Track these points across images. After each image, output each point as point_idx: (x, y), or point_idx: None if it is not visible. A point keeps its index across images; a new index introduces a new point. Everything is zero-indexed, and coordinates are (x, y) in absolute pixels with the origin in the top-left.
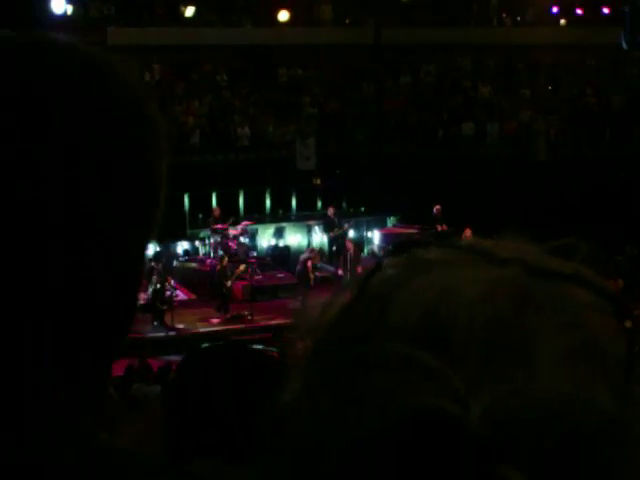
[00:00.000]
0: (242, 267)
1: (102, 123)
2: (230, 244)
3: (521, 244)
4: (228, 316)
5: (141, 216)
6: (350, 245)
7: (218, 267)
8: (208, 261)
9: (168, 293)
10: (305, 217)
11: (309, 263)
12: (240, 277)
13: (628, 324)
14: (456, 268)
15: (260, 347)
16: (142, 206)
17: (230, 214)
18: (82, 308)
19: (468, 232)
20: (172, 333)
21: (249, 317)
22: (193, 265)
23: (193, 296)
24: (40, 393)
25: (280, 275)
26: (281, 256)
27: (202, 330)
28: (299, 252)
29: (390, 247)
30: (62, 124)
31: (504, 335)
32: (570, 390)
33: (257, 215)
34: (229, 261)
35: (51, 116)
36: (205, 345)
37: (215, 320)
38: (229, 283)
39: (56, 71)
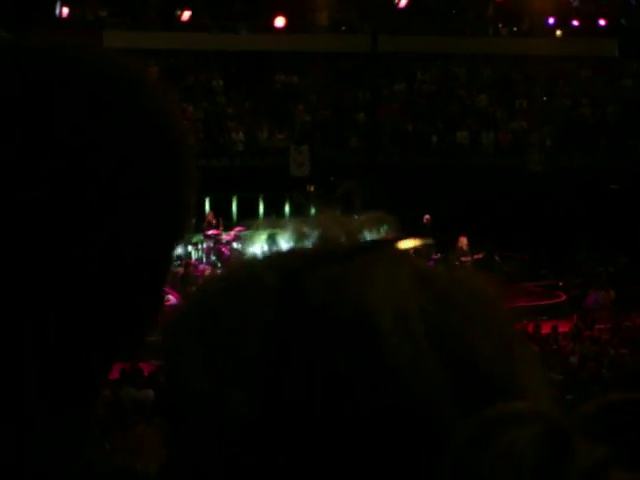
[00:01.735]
0: (207, 272)
1: (134, 133)
2: (223, 249)
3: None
4: None
5: (168, 223)
6: None
7: (181, 272)
8: (200, 266)
9: None
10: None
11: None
12: None
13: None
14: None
15: None
16: (170, 213)
17: (223, 219)
18: (96, 308)
19: (464, 240)
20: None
21: None
22: (180, 269)
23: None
24: (41, 397)
25: None
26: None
27: None
28: None
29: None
30: (96, 133)
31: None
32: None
33: (250, 221)
34: (222, 267)
35: (85, 126)
36: None
37: None
38: (193, 289)
39: (89, 81)
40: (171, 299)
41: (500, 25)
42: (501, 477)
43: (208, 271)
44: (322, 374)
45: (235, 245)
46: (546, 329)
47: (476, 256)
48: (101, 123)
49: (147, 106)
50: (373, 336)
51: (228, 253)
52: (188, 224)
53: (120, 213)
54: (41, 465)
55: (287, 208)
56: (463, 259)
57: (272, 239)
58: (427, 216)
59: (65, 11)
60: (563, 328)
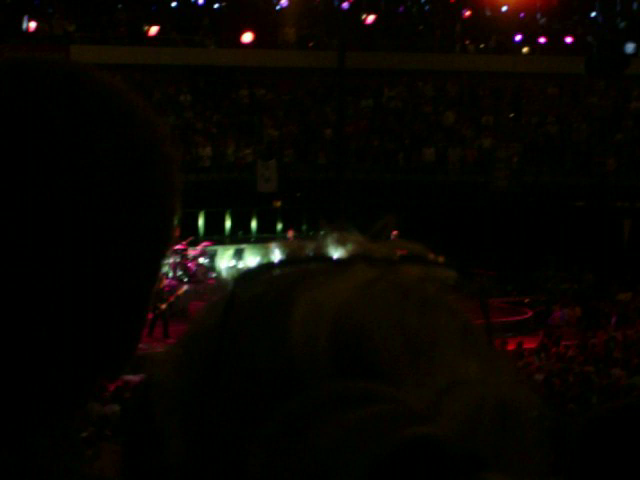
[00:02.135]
0: (181, 290)
1: (124, 158)
2: (189, 265)
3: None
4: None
5: (152, 248)
6: None
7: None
8: (166, 281)
9: None
10: (265, 239)
11: None
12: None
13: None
14: (324, 280)
15: None
16: (152, 241)
17: (190, 234)
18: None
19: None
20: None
21: None
22: None
23: (150, 315)
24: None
25: None
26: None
27: (159, 350)
28: None
29: (237, 276)
30: (86, 146)
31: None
32: (476, 371)
33: (217, 236)
34: (189, 282)
35: (74, 140)
36: None
37: (172, 341)
38: (164, 305)
39: (74, 96)
40: None
41: (467, 42)
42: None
43: (181, 288)
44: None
45: (201, 260)
46: (512, 345)
47: None
48: (89, 136)
49: (133, 120)
50: (284, 324)
51: (194, 268)
52: (174, 234)
53: (111, 224)
54: (22, 476)
55: (254, 223)
56: None
57: (239, 254)
58: (395, 232)
59: (32, 25)
60: (529, 344)
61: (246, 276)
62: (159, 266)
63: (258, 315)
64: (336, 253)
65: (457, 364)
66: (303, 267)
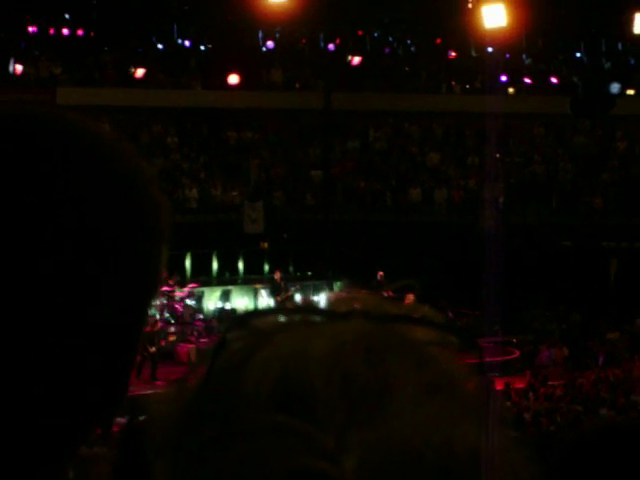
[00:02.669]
0: (172, 338)
1: (111, 202)
2: (176, 306)
3: (358, 295)
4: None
5: (137, 300)
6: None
7: (146, 330)
8: (160, 324)
9: None
10: (252, 280)
11: None
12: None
13: (478, 355)
14: (299, 331)
15: None
16: (139, 286)
17: (177, 276)
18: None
19: (411, 297)
20: None
21: None
22: None
23: (138, 357)
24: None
25: None
26: (227, 319)
27: (147, 392)
28: None
29: (230, 320)
30: (74, 202)
31: (360, 385)
32: (432, 425)
33: (204, 277)
34: (176, 324)
35: (65, 194)
36: None
37: (161, 382)
38: (153, 349)
39: (67, 148)
40: None
41: (453, 83)
42: None
43: (172, 334)
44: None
45: (188, 301)
46: (500, 385)
47: None
48: (71, 183)
49: (117, 165)
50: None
51: (181, 310)
52: (161, 278)
53: (95, 272)
54: None
55: (241, 264)
56: None
57: (226, 295)
58: (381, 273)
59: (19, 68)
60: (517, 384)
61: (235, 324)
62: (146, 310)
63: (230, 365)
64: (339, 307)
65: (403, 414)
66: (293, 316)
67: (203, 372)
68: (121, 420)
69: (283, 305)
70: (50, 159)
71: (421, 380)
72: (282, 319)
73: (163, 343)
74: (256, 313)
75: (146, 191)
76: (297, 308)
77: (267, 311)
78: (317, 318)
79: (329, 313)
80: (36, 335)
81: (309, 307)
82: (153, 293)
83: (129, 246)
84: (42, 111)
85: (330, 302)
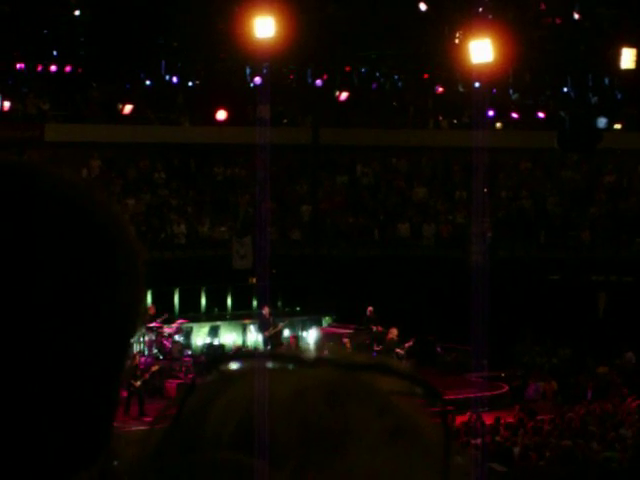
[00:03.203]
0: (154, 368)
1: (85, 250)
2: (165, 342)
3: (330, 345)
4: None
5: (113, 348)
6: (293, 341)
7: (127, 365)
8: (142, 359)
9: None
10: (240, 316)
11: None
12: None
13: (440, 404)
14: (265, 376)
15: None
16: (115, 336)
17: (165, 312)
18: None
19: (394, 331)
20: None
21: None
22: (130, 363)
23: (126, 394)
24: None
25: None
26: (216, 355)
27: (134, 429)
28: None
29: (201, 366)
30: (47, 250)
31: (320, 428)
32: (389, 471)
33: (192, 313)
34: (164, 360)
35: (37, 241)
36: None
37: (149, 418)
38: (138, 383)
39: (42, 199)
40: None
41: (440, 118)
42: None
43: (155, 365)
44: None
45: (177, 337)
46: (489, 420)
47: (407, 344)
48: (45, 234)
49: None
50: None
51: (170, 346)
52: (140, 320)
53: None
54: None
55: (229, 300)
56: (396, 350)
57: (214, 331)
58: (370, 308)
59: (6, 105)
60: (506, 419)
61: (205, 368)
62: (126, 353)
63: (197, 408)
64: (308, 355)
65: (362, 458)
66: (261, 362)
67: (173, 414)
68: None
69: (257, 349)
70: (26, 211)
71: (382, 427)
72: (250, 365)
73: (147, 376)
74: (225, 358)
75: (121, 237)
76: (266, 354)
77: (236, 356)
78: (285, 365)
79: (297, 360)
80: (15, 379)
81: (277, 354)
82: (131, 335)
83: (106, 293)
84: (15, 162)
85: (299, 351)
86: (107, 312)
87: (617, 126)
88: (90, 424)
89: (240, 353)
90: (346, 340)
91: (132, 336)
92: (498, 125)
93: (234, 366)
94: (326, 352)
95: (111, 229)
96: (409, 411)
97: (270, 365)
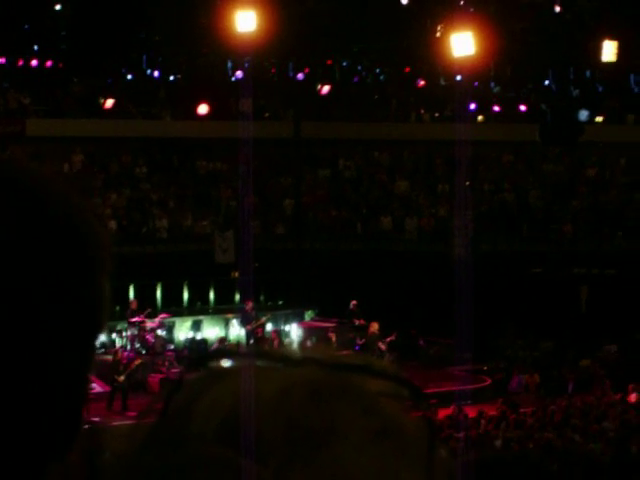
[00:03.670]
0: (137, 361)
1: (47, 241)
2: (147, 337)
3: (318, 346)
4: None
5: (83, 333)
6: (275, 336)
7: (110, 360)
8: (125, 354)
9: None
10: (223, 310)
11: None
12: (134, 371)
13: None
14: (251, 373)
15: None
16: (84, 322)
17: (148, 306)
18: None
19: (375, 325)
20: (86, 426)
21: None
22: (109, 357)
23: (109, 388)
24: None
25: None
26: (198, 349)
27: (117, 423)
28: None
29: (188, 362)
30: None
31: (305, 426)
32: (374, 469)
33: (175, 308)
34: (147, 354)
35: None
36: None
37: (132, 413)
38: (121, 378)
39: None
40: (96, 387)
41: (422, 111)
42: None
43: (137, 360)
44: None
45: (159, 332)
46: (472, 413)
47: (388, 339)
48: (10, 228)
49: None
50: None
51: (152, 340)
52: (105, 316)
53: (37, 314)
54: None
55: (212, 294)
56: (379, 343)
57: (197, 325)
58: (354, 302)
59: None
60: (489, 412)
61: (193, 364)
62: (94, 341)
63: (183, 403)
64: (295, 354)
65: (347, 456)
66: (249, 360)
67: (160, 409)
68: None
69: (241, 344)
70: None
71: (368, 426)
72: (237, 363)
73: (131, 367)
74: (214, 355)
75: (85, 227)
76: (253, 352)
77: (224, 354)
78: (272, 363)
79: (284, 359)
80: None
81: (265, 352)
82: (99, 327)
83: (69, 280)
84: None
85: (286, 350)
86: (72, 302)
87: (599, 119)
88: (58, 416)
89: (228, 351)
90: (331, 334)
91: (100, 328)
92: (480, 118)
93: (222, 363)
94: (312, 350)
95: (74, 219)
96: (395, 412)
97: (257, 363)
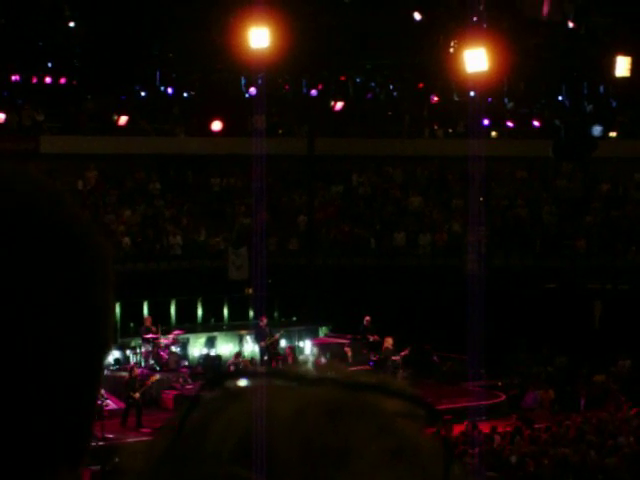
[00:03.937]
0: (154, 378)
1: (50, 254)
2: (161, 353)
3: (334, 364)
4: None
5: (88, 342)
6: (289, 352)
7: (126, 377)
8: (139, 370)
9: (98, 402)
10: (237, 327)
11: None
12: (150, 387)
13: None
14: (267, 393)
15: None
16: (88, 332)
17: (162, 323)
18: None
19: (390, 340)
20: (101, 443)
21: None
22: (124, 374)
23: (123, 405)
24: None
25: None
26: (212, 365)
27: (132, 440)
28: None
29: (204, 381)
30: (13, 254)
31: (320, 446)
32: None
33: (189, 324)
34: (161, 371)
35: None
36: None
37: (147, 430)
38: (137, 394)
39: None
40: (111, 404)
41: (436, 127)
42: None
43: (153, 376)
44: None
45: (173, 348)
46: (486, 429)
47: (402, 353)
48: (15, 242)
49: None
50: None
51: (166, 357)
52: (110, 331)
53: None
54: None
55: (225, 311)
56: (393, 358)
57: (211, 342)
58: (367, 317)
59: (1, 117)
60: (503, 428)
61: (209, 383)
62: (103, 355)
63: (200, 422)
64: (311, 373)
65: (362, 477)
66: (265, 380)
67: (176, 427)
68: (94, 468)
69: (254, 361)
70: None
71: (383, 446)
72: (253, 382)
73: (148, 384)
74: (231, 375)
75: (86, 238)
76: (270, 372)
77: (241, 373)
78: (287, 382)
79: (299, 378)
80: None
81: (280, 371)
82: (104, 348)
83: (74, 294)
84: None
85: (302, 369)
86: (75, 313)
87: (612, 134)
88: (62, 428)
89: (244, 370)
90: (347, 349)
91: (106, 343)
92: (493, 134)
93: (239, 383)
94: (327, 369)
95: (75, 231)
96: (411, 432)
97: (273, 383)
